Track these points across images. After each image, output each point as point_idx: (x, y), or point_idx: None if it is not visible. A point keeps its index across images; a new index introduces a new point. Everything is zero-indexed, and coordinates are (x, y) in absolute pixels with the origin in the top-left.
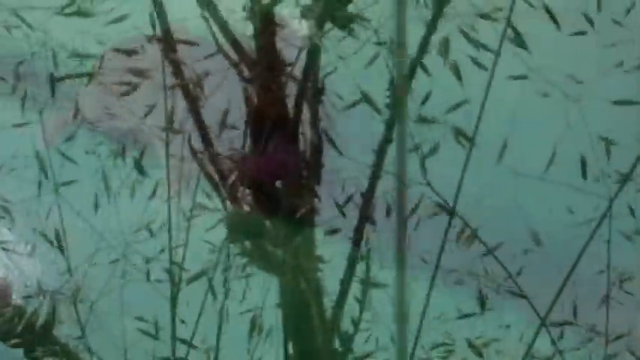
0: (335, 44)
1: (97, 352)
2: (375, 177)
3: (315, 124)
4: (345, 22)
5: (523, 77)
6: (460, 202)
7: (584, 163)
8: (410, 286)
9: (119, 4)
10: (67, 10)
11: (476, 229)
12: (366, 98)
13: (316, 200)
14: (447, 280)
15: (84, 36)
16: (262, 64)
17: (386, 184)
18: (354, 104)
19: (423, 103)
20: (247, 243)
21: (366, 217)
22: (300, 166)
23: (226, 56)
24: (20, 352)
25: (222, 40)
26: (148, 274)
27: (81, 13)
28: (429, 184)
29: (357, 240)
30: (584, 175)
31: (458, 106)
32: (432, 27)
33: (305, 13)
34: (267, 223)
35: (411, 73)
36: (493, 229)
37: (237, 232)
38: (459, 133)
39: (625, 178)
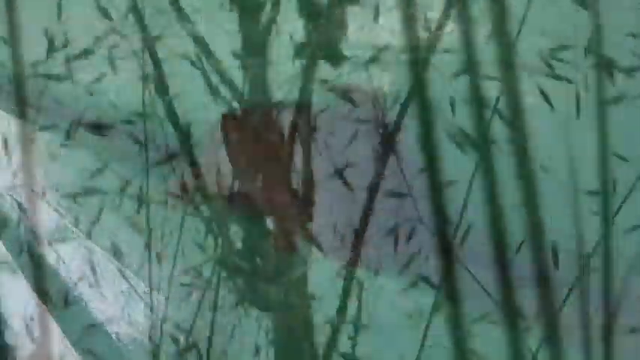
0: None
1: None
2: (371, 195)
3: (308, 161)
4: (340, 60)
5: None
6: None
7: None
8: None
9: None
10: None
11: None
12: None
13: (308, 229)
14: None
15: None
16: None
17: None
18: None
19: None
20: (239, 280)
21: (360, 236)
22: (291, 202)
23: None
24: None
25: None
26: None
27: None
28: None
29: (353, 261)
30: None
31: None
32: None
33: (298, 51)
34: (259, 259)
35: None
36: None
37: (229, 269)
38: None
39: None
